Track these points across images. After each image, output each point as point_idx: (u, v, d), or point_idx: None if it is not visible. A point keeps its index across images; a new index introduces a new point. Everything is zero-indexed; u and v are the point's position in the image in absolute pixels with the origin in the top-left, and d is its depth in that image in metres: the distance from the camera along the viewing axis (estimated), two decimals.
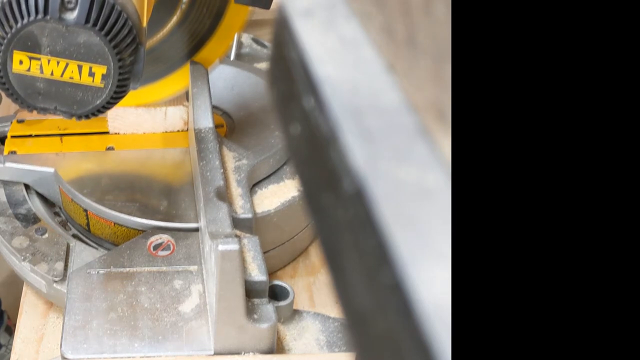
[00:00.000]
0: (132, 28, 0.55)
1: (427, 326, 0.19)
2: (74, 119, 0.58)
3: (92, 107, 0.56)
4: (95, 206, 0.75)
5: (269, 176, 0.80)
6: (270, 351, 0.63)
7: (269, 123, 0.84)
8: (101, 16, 0.53)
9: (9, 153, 0.82)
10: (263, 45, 1.01)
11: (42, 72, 0.54)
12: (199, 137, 0.75)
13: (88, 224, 0.77)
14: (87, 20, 0.53)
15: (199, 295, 0.66)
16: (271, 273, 0.71)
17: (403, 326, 0.20)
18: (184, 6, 0.79)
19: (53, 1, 0.52)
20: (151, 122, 0.85)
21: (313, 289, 0.79)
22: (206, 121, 0.77)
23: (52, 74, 0.54)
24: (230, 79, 0.91)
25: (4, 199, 0.80)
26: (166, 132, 0.85)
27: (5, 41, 0.52)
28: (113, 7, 0.54)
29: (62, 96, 0.56)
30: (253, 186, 0.78)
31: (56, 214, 0.81)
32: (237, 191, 0.73)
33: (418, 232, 0.21)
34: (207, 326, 0.64)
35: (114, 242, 0.75)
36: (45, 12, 0.52)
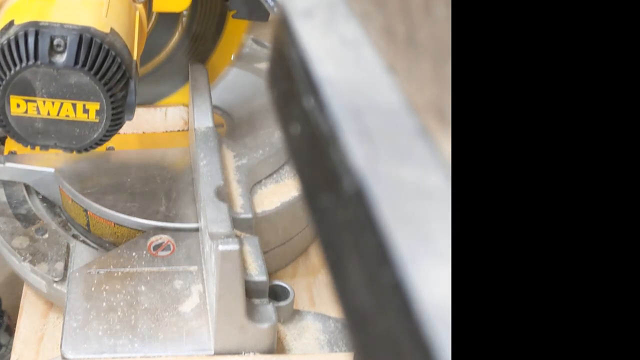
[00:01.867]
0: (120, 64, 0.56)
1: (427, 326, 0.19)
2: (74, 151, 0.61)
3: (90, 140, 0.59)
4: (95, 206, 0.75)
5: (269, 176, 0.80)
6: (270, 351, 0.63)
7: (269, 123, 0.84)
8: (89, 57, 0.55)
9: (9, 153, 0.81)
10: (263, 45, 1.01)
11: (39, 113, 0.56)
12: (199, 136, 0.75)
13: (88, 224, 0.77)
14: (76, 62, 0.55)
15: (199, 296, 0.66)
16: (271, 273, 0.71)
17: (403, 326, 0.20)
18: (184, 19, 0.80)
19: (42, 46, 0.54)
20: (151, 122, 0.85)
21: (313, 289, 0.79)
22: (206, 121, 0.77)
23: (48, 113, 0.56)
24: (230, 79, 0.91)
25: (4, 199, 0.79)
26: (166, 132, 0.85)
27: (1, 88, 0.55)
28: (100, 46, 0.56)
29: (61, 133, 0.58)
30: (253, 186, 0.78)
31: (56, 214, 0.81)
32: (237, 191, 0.73)
33: (418, 232, 0.21)
34: (207, 326, 0.63)
35: (114, 242, 0.75)
36: (36, 57, 0.54)
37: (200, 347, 0.62)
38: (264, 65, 0.95)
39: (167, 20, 0.79)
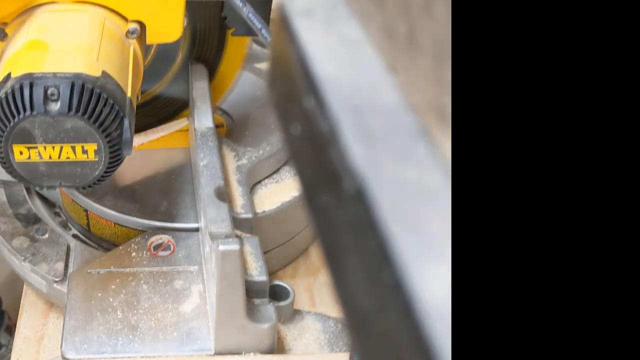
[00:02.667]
0: (113, 105, 0.59)
1: (428, 326, 0.19)
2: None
3: (92, 178, 0.61)
4: (95, 206, 0.75)
5: (269, 176, 0.80)
6: (270, 351, 0.63)
7: (269, 123, 0.84)
8: (82, 102, 0.58)
9: None
10: (263, 45, 1.01)
11: (41, 157, 0.59)
12: (199, 137, 0.75)
13: (88, 224, 0.77)
14: (69, 109, 0.57)
15: (199, 295, 0.66)
16: (271, 273, 0.71)
17: (403, 326, 0.20)
18: (185, 45, 0.81)
19: (37, 97, 0.57)
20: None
21: (313, 289, 0.79)
22: (206, 121, 0.77)
23: (50, 157, 0.59)
24: None
25: (4, 199, 0.80)
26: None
27: (3, 139, 0.58)
28: (92, 91, 0.58)
29: (64, 174, 0.61)
30: (253, 186, 0.78)
31: (56, 214, 0.81)
32: (237, 191, 0.73)
33: (418, 232, 0.21)
34: (207, 326, 0.64)
35: (114, 242, 0.75)
36: (32, 108, 0.57)
37: (200, 347, 0.62)
38: (264, 65, 0.96)
39: (166, 51, 0.81)
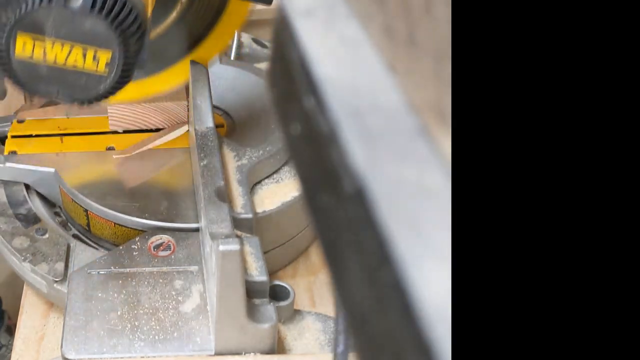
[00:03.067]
0: (137, 16, 0.55)
1: (427, 326, 0.19)
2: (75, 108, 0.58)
3: (94, 93, 0.57)
4: (95, 206, 0.75)
5: (269, 176, 0.80)
6: (271, 351, 0.63)
7: (269, 123, 0.84)
8: (107, 3, 0.54)
9: (9, 153, 0.82)
10: (263, 45, 1.01)
11: (45, 57, 0.54)
12: (200, 137, 0.75)
13: (88, 224, 0.77)
14: (92, 7, 0.53)
15: (199, 296, 0.66)
16: (271, 273, 0.71)
17: (403, 326, 0.20)
18: (184, 1, 0.79)
19: None
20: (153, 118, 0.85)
21: (313, 289, 0.79)
22: (206, 121, 0.77)
23: (55, 60, 0.54)
24: (231, 79, 0.91)
25: (4, 199, 0.79)
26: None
27: (9, 25, 0.53)
28: None
29: (66, 82, 0.56)
30: (253, 186, 0.78)
31: (56, 214, 0.81)
32: (237, 191, 0.73)
33: (418, 232, 0.21)
34: (207, 326, 0.64)
35: (114, 242, 0.75)
36: None
37: (200, 347, 0.62)
38: (264, 65, 0.96)
39: (164, 3, 0.78)
